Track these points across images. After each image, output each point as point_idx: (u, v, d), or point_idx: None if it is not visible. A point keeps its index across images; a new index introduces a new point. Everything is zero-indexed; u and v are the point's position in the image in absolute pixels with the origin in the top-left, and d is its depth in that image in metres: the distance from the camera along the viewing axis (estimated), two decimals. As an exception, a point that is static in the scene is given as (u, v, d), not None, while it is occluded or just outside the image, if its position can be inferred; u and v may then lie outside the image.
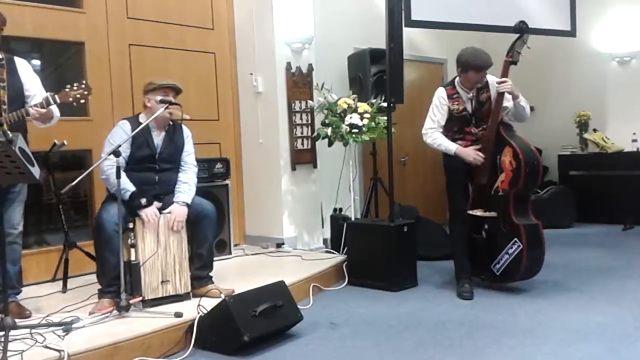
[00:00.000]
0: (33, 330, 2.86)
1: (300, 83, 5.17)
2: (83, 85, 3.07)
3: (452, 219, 4.11)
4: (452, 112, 3.95)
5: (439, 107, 3.98)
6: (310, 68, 5.23)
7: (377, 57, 5.20)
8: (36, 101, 3.10)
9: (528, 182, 3.81)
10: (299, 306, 3.37)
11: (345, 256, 4.51)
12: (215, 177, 4.69)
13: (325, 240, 5.25)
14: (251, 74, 5.21)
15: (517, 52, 3.89)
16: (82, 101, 3.11)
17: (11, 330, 2.74)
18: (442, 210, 5.80)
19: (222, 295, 3.30)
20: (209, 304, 3.20)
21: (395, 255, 4.14)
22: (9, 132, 2.15)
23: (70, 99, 3.05)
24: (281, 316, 3.18)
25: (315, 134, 4.95)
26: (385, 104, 4.56)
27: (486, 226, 3.97)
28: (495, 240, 3.91)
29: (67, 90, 3.05)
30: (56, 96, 3.01)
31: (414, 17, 4.53)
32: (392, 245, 4.16)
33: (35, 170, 2.23)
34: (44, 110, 2.97)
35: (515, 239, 3.80)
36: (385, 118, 4.56)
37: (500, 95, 3.83)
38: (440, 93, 4.00)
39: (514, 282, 3.97)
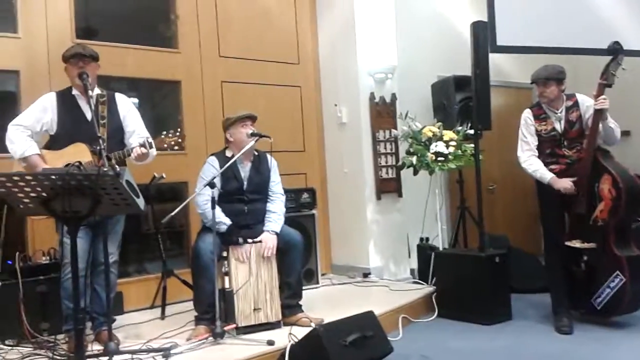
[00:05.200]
0: (134, 356, 3.00)
1: (383, 112, 5.20)
2: (177, 133, 3.30)
3: (548, 250, 3.94)
4: (540, 132, 3.84)
5: (527, 127, 3.89)
6: (394, 97, 5.25)
7: (462, 84, 5.15)
8: (136, 137, 3.33)
9: (629, 211, 3.61)
10: (388, 337, 3.33)
11: (434, 287, 4.42)
12: (302, 206, 4.77)
13: (412, 271, 5.17)
14: (335, 105, 5.31)
15: (612, 74, 3.73)
16: (176, 147, 3.33)
17: (114, 356, 2.89)
18: (535, 240, 5.58)
19: (313, 324, 3.32)
20: (300, 332, 3.23)
21: (487, 287, 4.01)
22: (117, 167, 2.32)
23: (165, 145, 3.29)
24: (371, 347, 3.15)
25: (400, 162, 4.94)
26: (471, 131, 4.49)
27: (585, 258, 3.77)
28: (595, 273, 3.70)
29: (162, 137, 3.29)
30: (152, 142, 3.22)
31: (499, 42, 4.44)
32: (484, 276, 4.04)
33: (140, 201, 2.38)
34: (145, 151, 3.18)
35: (617, 271, 3.59)
36: (472, 145, 4.48)
37: (597, 114, 3.66)
38: (526, 114, 3.92)
39: (616, 316, 3.74)
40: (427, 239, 5.11)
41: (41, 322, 3.47)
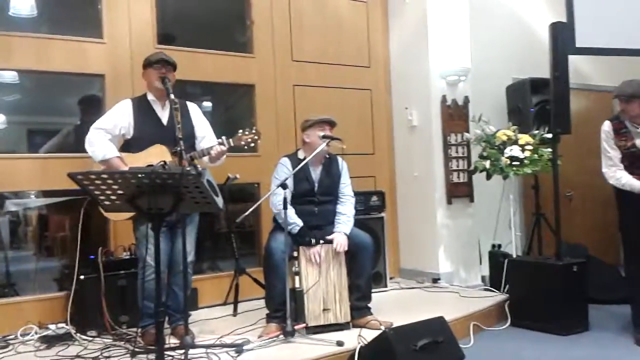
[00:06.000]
0: (209, 350, 3.09)
1: (455, 115, 5.12)
2: (254, 131, 3.40)
3: (629, 259, 3.76)
4: (619, 147, 3.66)
5: (607, 141, 3.73)
6: (467, 100, 5.16)
7: (539, 87, 5.03)
8: (206, 142, 3.45)
9: None
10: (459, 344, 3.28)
11: (507, 295, 4.30)
12: (371, 209, 4.76)
13: (483, 278, 5.06)
14: (406, 108, 5.28)
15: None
16: (252, 145, 3.43)
17: (190, 349, 2.99)
18: (614, 250, 5.33)
19: (382, 327, 3.31)
20: (369, 335, 3.24)
21: (563, 296, 3.87)
22: (198, 166, 2.41)
23: (243, 143, 3.38)
24: (442, 352, 3.11)
25: (473, 166, 4.85)
26: (549, 135, 4.34)
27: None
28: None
29: (239, 134, 3.38)
30: (230, 140, 3.34)
31: (578, 44, 4.30)
32: (560, 285, 3.90)
33: (219, 200, 2.46)
34: (224, 149, 3.28)
35: None
36: (549, 150, 4.33)
37: None
38: (606, 127, 3.75)
39: None
40: (500, 245, 4.99)
41: (120, 315, 3.65)
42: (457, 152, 5.09)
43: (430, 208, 5.05)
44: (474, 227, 5.15)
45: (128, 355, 3.10)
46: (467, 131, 5.03)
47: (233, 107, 5.69)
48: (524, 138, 4.55)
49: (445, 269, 4.99)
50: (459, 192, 5.08)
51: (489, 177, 4.68)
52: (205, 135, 3.54)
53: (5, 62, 3.94)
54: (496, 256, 4.79)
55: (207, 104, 6.27)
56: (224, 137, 3.36)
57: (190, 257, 3.43)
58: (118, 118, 3.38)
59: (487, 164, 4.61)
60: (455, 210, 5.06)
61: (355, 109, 5.27)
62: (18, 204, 4.70)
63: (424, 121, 5.13)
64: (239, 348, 3.09)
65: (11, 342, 3.48)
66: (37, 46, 3.96)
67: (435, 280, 4.90)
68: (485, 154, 4.68)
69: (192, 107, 3.59)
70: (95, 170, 2.72)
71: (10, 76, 4.97)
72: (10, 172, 3.86)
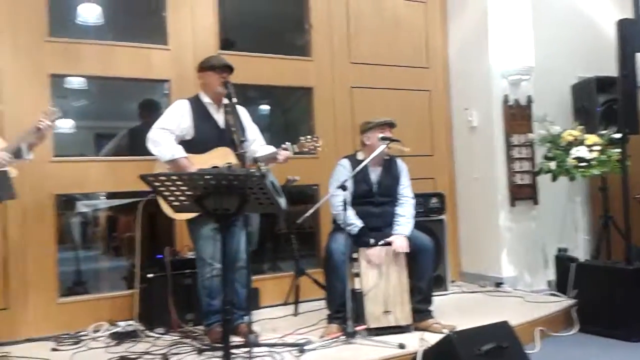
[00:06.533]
0: (272, 349, 3.14)
1: (518, 116, 5.00)
2: (315, 138, 3.47)
3: None
4: None
5: None
6: (530, 100, 5.03)
7: (606, 85, 4.86)
8: (257, 145, 3.54)
9: None
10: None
11: (575, 300, 4.16)
12: (431, 212, 4.70)
13: (549, 282, 4.91)
14: (466, 108, 5.20)
15: None
16: (313, 151, 3.51)
17: (254, 348, 3.04)
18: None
19: (445, 331, 3.27)
20: (431, 338, 3.21)
21: (634, 302, 3.72)
22: (263, 168, 2.46)
23: (305, 149, 3.46)
24: (507, 358, 3.03)
25: (538, 168, 4.72)
26: (617, 136, 4.18)
27: None
28: None
29: (302, 141, 3.45)
30: (295, 146, 3.42)
31: (647, 42, 4.13)
32: (631, 290, 3.75)
33: (282, 201, 2.49)
34: (290, 154, 3.36)
35: None
36: (617, 151, 4.17)
37: None
38: None
39: None
40: (566, 249, 4.83)
41: (187, 313, 3.75)
42: (520, 153, 4.96)
43: (493, 210, 4.95)
44: (538, 230, 5.01)
45: (195, 352, 3.19)
46: (531, 131, 4.90)
47: (290, 110, 5.76)
48: (591, 138, 4.39)
49: (509, 272, 4.87)
50: (522, 194, 4.95)
51: (554, 178, 4.54)
52: (255, 138, 3.61)
53: (75, 69, 4.11)
54: (562, 260, 4.64)
55: (265, 107, 6.38)
56: (288, 143, 3.43)
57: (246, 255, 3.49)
58: (179, 118, 3.43)
59: (553, 165, 4.49)
60: (518, 212, 4.94)
61: (413, 110, 5.22)
62: (88, 205, 4.92)
63: (485, 122, 5.03)
64: (301, 348, 3.12)
65: (83, 338, 3.63)
66: (105, 53, 4.12)
67: (499, 285, 4.79)
68: (550, 154, 4.55)
69: (241, 110, 3.64)
70: (165, 172, 2.81)
71: (79, 82, 5.21)
72: (80, 174, 4.01)
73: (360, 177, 3.68)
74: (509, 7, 4.94)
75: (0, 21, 3.76)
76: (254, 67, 4.56)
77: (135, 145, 4.28)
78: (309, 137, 3.47)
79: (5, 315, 3.63)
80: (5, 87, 3.74)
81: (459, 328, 3.27)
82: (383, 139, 3.64)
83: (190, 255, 3.89)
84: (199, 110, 3.49)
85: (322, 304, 3.76)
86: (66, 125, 5.63)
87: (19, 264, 3.75)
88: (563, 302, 4.20)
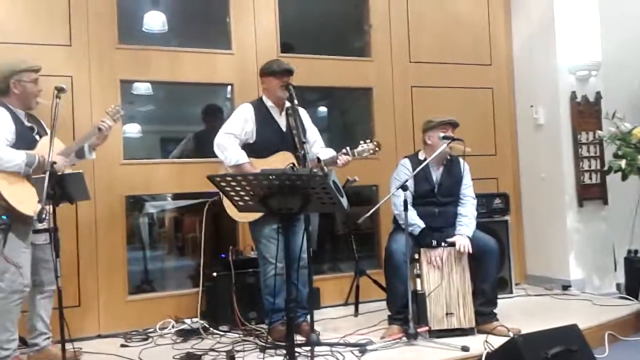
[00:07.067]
0: (333, 348, 3.16)
1: (586, 112, 4.83)
2: (375, 142, 3.47)
3: None
4: None
5: None
6: (598, 96, 4.85)
7: (680, 80, 4.61)
8: (317, 147, 3.59)
9: None
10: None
11: (646, 304, 3.98)
12: (494, 212, 4.61)
13: (618, 285, 4.71)
14: (531, 106, 5.06)
15: None
16: (373, 155, 3.50)
17: (316, 347, 3.06)
18: None
19: (510, 334, 3.19)
20: (495, 341, 3.14)
21: None
22: (325, 168, 2.49)
23: (365, 154, 3.46)
24: (576, 362, 2.94)
25: (607, 167, 4.54)
26: (694, 132, 3.97)
27: None
28: None
29: (362, 146, 3.47)
30: (355, 151, 3.44)
31: None
32: None
33: (344, 201, 2.50)
34: (350, 158, 3.39)
35: None
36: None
37: None
38: None
39: None
40: (637, 251, 4.61)
41: (249, 312, 3.83)
42: (588, 151, 4.79)
43: (559, 211, 4.79)
44: (608, 232, 4.82)
45: (258, 350, 3.25)
46: (600, 129, 4.72)
47: (349, 111, 5.78)
48: (664, 135, 4.18)
49: (577, 275, 4.71)
50: (591, 194, 4.78)
51: (624, 177, 4.34)
52: (316, 139, 3.65)
53: (144, 74, 4.27)
54: (633, 263, 4.44)
55: (323, 109, 6.42)
56: (348, 148, 3.45)
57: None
58: (243, 123, 3.52)
59: (623, 163, 4.29)
60: (587, 213, 4.77)
61: (475, 109, 5.12)
62: (155, 206, 5.10)
63: (552, 119, 4.88)
64: (363, 348, 3.13)
65: (151, 335, 3.77)
66: (172, 59, 4.24)
67: (566, 288, 4.63)
68: (620, 153, 4.36)
69: (302, 112, 3.69)
70: (231, 173, 2.88)
71: (145, 89, 5.42)
72: (148, 176, 4.15)
73: (422, 177, 3.65)
74: (575, 0, 4.78)
75: (73, 30, 3.95)
76: (314, 69, 4.60)
77: (200, 149, 4.42)
78: (368, 141, 3.48)
79: (77, 312, 3.79)
80: (78, 93, 3.92)
81: (524, 331, 3.19)
82: (445, 138, 3.59)
83: (252, 254, 3.97)
84: (262, 114, 3.56)
85: (382, 304, 3.75)
86: (133, 129, 5.87)
87: (91, 263, 3.92)
88: (633, 306, 4.03)
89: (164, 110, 6.37)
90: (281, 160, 3.35)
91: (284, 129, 3.56)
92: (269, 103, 3.60)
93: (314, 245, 4.61)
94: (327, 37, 5.29)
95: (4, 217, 2.82)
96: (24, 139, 3.08)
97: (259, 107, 3.59)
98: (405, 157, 3.83)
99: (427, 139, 3.72)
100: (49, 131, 3.00)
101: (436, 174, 3.71)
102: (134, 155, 4.22)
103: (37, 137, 3.18)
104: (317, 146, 3.62)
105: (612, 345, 3.55)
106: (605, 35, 4.81)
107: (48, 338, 3.26)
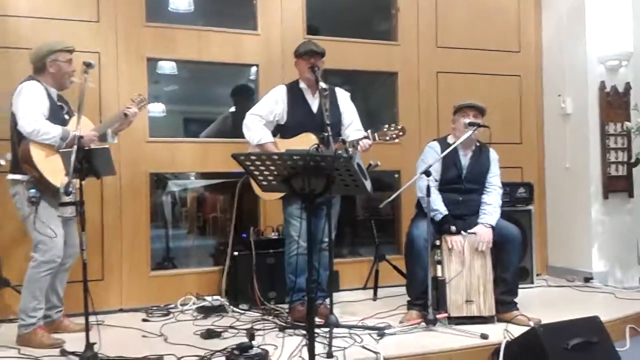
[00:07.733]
0: (351, 331, 3.17)
1: (615, 103, 4.74)
2: (399, 127, 3.39)
3: None
4: None
5: None
6: (628, 87, 4.76)
7: None
8: (352, 129, 3.55)
9: None
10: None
11: (670, 299, 3.92)
12: (518, 202, 4.55)
13: (642, 279, 4.67)
14: (559, 95, 4.97)
15: None
16: (396, 140, 3.44)
17: (334, 328, 3.08)
18: None
19: (531, 323, 3.17)
20: (515, 330, 3.12)
21: None
22: (349, 150, 2.48)
23: (387, 138, 3.40)
24: (596, 354, 2.91)
25: (634, 159, 4.46)
26: None
27: None
28: None
29: (385, 129, 3.40)
30: (376, 134, 3.38)
31: None
32: None
33: (368, 184, 2.50)
34: (370, 142, 3.36)
35: None
36: None
37: None
38: None
39: None
40: (661, 245, 4.56)
41: (269, 291, 3.86)
42: (616, 143, 4.72)
43: (584, 202, 4.73)
44: (633, 225, 4.75)
45: (277, 329, 3.28)
46: (628, 120, 4.62)
47: (373, 95, 5.72)
48: (695, 128, 4.09)
49: (599, 268, 4.65)
50: (617, 186, 4.70)
51: (652, 170, 4.27)
52: (352, 122, 3.62)
53: (171, 53, 4.27)
54: (658, 257, 4.38)
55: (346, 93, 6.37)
56: (369, 131, 3.41)
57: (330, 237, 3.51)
58: (272, 105, 3.56)
59: (650, 156, 4.22)
60: (612, 205, 4.70)
61: (501, 96, 5.04)
62: (178, 184, 5.15)
63: (579, 109, 4.80)
64: (381, 332, 3.13)
65: (172, 310, 3.83)
66: (198, 38, 4.26)
67: (588, 280, 4.58)
68: (648, 145, 4.28)
69: (340, 93, 3.68)
70: (256, 152, 2.89)
71: (170, 68, 5.43)
72: (172, 155, 4.19)
73: (450, 161, 3.61)
74: (608, -11, 4.67)
75: (101, 7, 3.98)
76: (340, 52, 4.55)
77: (233, 128, 4.44)
78: (392, 125, 3.41)
79: (100, 286, 3.86)
80: (105, 70, 3.95)
81: (544, 322, 3.16)
82: (470, 124, 3.54)
83: (273, 235, 3.99)
84: (295, 96, 3.59)
85: (401, 290, 3.76)
86: (158, 109, 5.91)
87: (115, 238, 3.99)
88: (656, 300, 3.97)
89: (188, 91, 6.39)
90: (305, 142, 3.33)
91: (314, 110, 3.56)
92: (302, 85, 3.62)
93: (334, 229, 4.61)
94: (353, 20, 5.23)
95: (32, 190, 2.87)
96: (57, 116, 3.16)
97: (293, 89, 3.62)
98: (434, 139, 3.80)
99: (452, 122, 3.69)
100: (76, 112, 3.04)
101: (464, 160, 3.66)
102: (157, 134, 4.25)
103: (66, 116, 3.26)
104: (351, 128, 3.58)
105: (633, 339, 3.51)
106: (636, 25, 4.69)
107: (60, 311, 3.33)
